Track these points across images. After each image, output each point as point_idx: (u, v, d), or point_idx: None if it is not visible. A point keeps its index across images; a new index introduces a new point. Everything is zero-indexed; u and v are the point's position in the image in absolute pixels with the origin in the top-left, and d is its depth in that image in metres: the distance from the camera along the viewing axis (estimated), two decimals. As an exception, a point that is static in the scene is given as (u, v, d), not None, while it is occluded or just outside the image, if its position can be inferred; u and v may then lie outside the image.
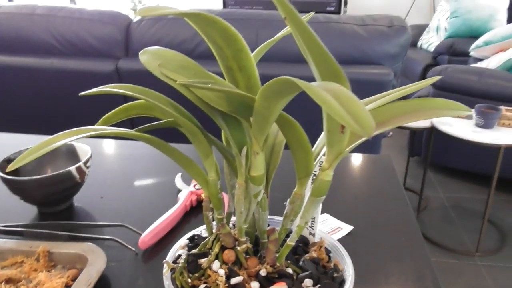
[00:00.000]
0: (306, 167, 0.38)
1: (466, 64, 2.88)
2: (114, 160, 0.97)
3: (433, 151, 2.16)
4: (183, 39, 1.56)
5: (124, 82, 0.37)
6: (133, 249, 0.63)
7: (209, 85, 0.32)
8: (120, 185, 0.84)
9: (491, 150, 1.82)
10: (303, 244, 0.45)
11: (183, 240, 0.44)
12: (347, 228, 0.67)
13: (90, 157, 0.73)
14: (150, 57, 0.37)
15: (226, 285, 0.36)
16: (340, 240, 0.65)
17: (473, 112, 1.87)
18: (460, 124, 1.85)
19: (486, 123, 1.79)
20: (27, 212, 0.73)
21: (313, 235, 0.46)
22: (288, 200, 0.40)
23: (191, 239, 0.44)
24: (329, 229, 0.67)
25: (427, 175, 2.53)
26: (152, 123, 0.39)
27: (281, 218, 0.50)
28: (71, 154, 0.77)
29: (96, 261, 0.57)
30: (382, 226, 0.69)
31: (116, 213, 0.73)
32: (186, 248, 0.43)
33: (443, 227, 2.12)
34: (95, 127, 0.36)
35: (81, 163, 0.70)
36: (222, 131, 0.41)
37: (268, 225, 0.48)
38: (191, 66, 0.37)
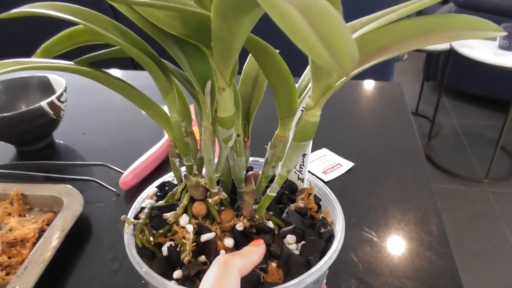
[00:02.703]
0: (289, 105, 0.31)
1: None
2: (97, 93, 0.89)
3: (449, 75, 2.03)
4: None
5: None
6: (114, 190, 0.59)
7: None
8: (103, 120, 0.78)
9: (512, 74, 1.69)
10: (289, 191, 0.39)
11: (151, 189, 0.39)
12: (347, 165, 0.62)
13: (65, 90, 0.67)
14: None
15: (194, 243, 0.31)
16: (339, 178, 0.60)
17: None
18: (481, 46, 1.71)
19: (511, 44, 1.64)
20: (5, 152, 0.68)
21: (302, 180, 0.40)
22: (269, 144, 0.34)
23: (161, 186, 0.39)
24: (327, 166, 0.62)
25: (442, 101, 2.42)
26: (94, 53, 0.32)
27: (266, 161, 0.44)
28: (45, 87, 0.70)
29: (72, 204, 0.53)
30: (386, 163, 0.63)
31: (99, 150, 0.68)
32: (155, 198, 0.38)
33: (453, 154, 2.07)
34: (20, 60, 0.28)
35: (53, 98, 0.64)
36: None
37: (251, 168, 0.42)
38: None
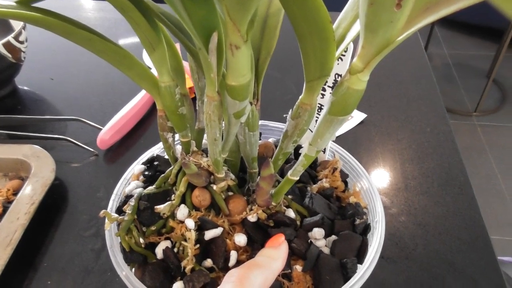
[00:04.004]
0: (322, 64, 0.23)
1: None
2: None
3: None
4: None
5: None
6: (91, 149, 0.50)
7: None
8: (74, 63, 0.67)
9: None
10: (309, 165, 0.32)
11: (137, 166, 0.31)
12: (359, 116, 0.54)
13: (24, 28, 0.55)
14: None
15: (197, 246, 0.24)
16: (350, 132, 0.53)
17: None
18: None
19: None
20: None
21: (323, 150, 0.32)
22: (290, 113, 0.26)
23: (149, 162, 0.31)
24: (336, 118, 0.54)
25: (433, 30, 2.32)
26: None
27: (276, 124, 0.36)
28: (3, 26, 0.58)
29: (42, 170, 0.45)
30: (402, 113, 0.56)
31: (70, 100, 0.59)
32: (142, 179, 0.30)
33: (443, 86, 2.01)
34: None
35: (9, 38, 0.52)
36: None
37: (260, 136, 0.35)
38: None
